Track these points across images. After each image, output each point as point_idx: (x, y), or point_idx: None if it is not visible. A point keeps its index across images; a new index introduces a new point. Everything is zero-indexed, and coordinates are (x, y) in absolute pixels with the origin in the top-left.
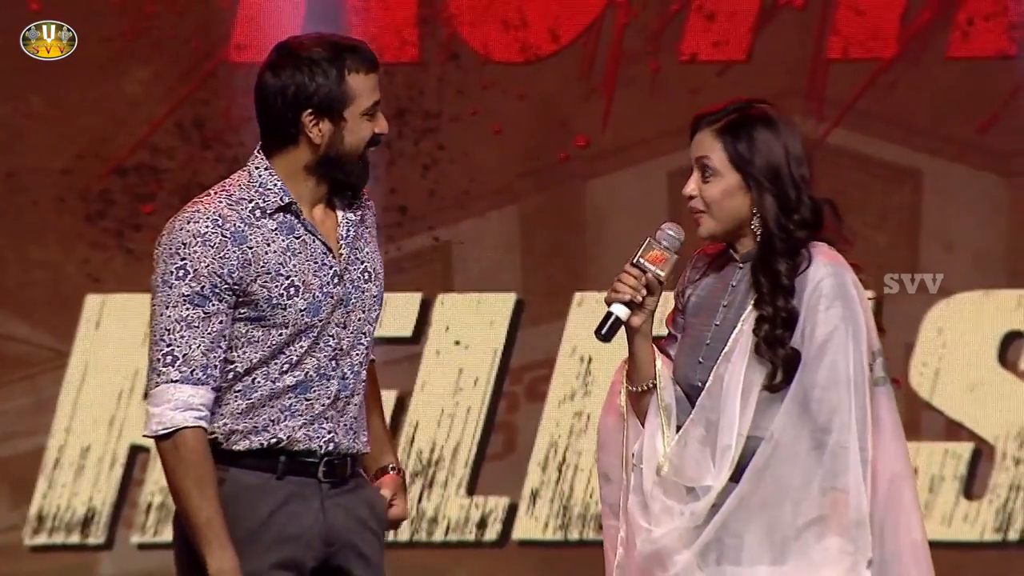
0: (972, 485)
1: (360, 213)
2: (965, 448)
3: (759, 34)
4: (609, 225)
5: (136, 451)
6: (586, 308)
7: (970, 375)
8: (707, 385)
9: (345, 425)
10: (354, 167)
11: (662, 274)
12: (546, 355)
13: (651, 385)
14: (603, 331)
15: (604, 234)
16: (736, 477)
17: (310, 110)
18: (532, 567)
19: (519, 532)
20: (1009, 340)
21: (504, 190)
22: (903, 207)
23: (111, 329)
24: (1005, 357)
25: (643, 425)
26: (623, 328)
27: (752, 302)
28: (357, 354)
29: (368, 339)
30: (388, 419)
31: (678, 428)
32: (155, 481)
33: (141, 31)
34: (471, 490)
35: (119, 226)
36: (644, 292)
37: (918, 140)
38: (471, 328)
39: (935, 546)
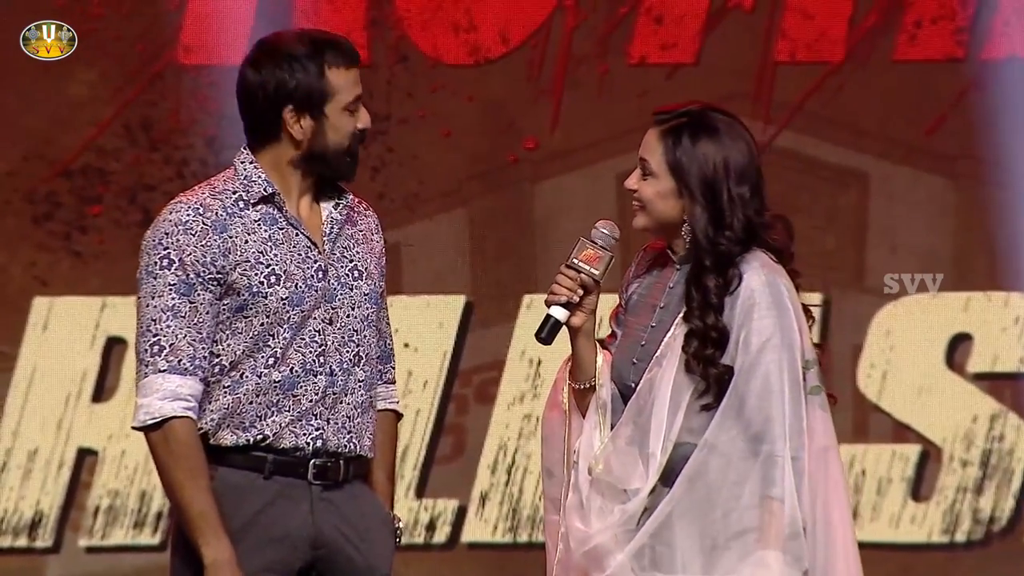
0: (920, 487)
1: (346, 214)
2: (912, 450)
3: (707, 37)
4: (558, 227)
5: (84, 454)
6: (535, 310)
7: (918, 377)
8: (638, 388)
9: (336, 424)
10: (340, 163)
11: (596, 273)
12: (495, 357)
13: (593, 383)
14: (543, 334)
15: (553, 236)
16: (669, 482)
17: (291, 106)
18: (481, 569)
19: (468, 535)
20: (956, 342)
21: (453, 192)
22: (850, 209)
23: (59, 332)
24: (952, 359)
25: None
26: (565, 329)
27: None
28: (348, 351)
29: (360, 336)
30: None
31: (613, 427)
32: (102, 484)
33: (87, 32)
34: (420, 493)
35: (66, 228)
36: (580, 292)
37: (865, 143)
38: (420, 330)
39: (883, 548)
